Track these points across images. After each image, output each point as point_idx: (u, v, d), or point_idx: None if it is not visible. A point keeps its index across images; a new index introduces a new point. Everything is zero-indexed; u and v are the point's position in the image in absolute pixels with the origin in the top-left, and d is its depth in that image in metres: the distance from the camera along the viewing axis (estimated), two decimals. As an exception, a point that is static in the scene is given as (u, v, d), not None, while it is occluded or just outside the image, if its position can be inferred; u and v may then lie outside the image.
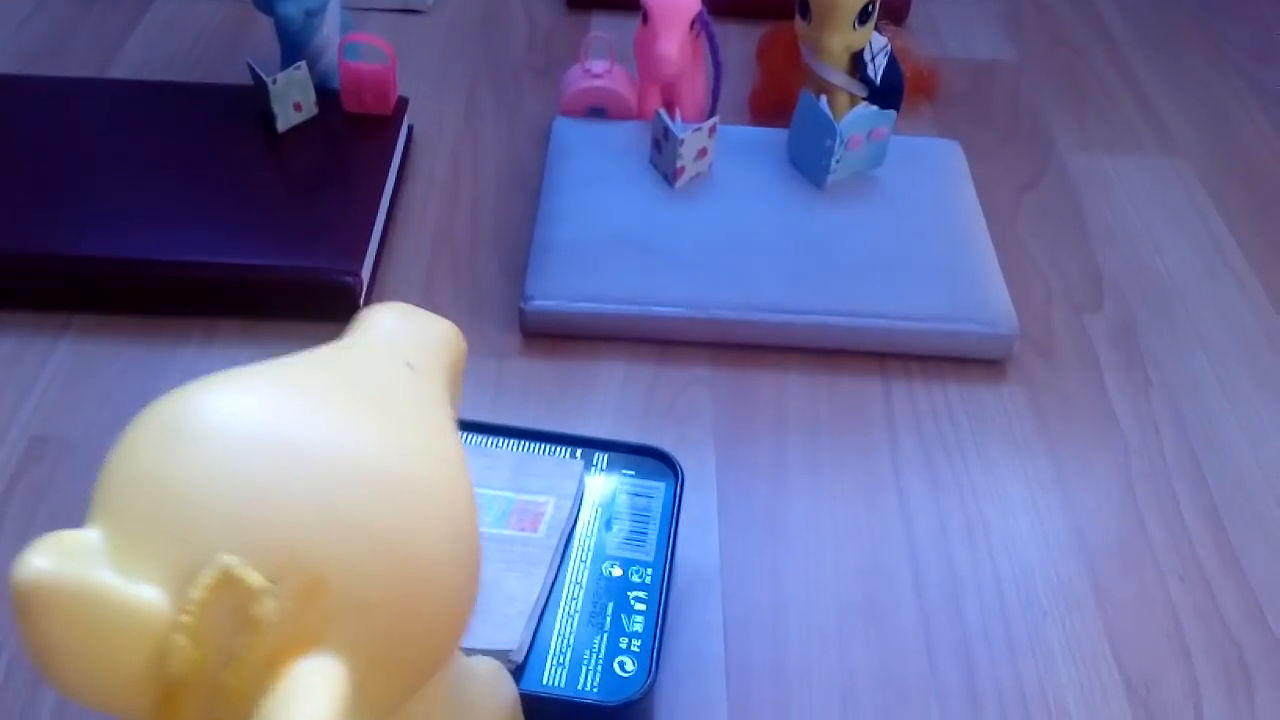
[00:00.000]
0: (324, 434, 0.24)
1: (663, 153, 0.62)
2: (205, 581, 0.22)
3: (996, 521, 0.50)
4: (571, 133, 0.66)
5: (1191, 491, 0.52)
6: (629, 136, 0.66)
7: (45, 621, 0.22)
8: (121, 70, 0.73)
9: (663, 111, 0.61)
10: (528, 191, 0.66)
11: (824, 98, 0.63)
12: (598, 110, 0.68)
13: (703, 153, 0.63)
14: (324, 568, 0.23)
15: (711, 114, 0.68)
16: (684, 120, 0.64)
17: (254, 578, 0.22)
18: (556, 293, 0.57)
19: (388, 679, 0.24)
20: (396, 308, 0.30)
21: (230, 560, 0.22)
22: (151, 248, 0.56)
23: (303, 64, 0.62)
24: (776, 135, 0.66)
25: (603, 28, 0.80)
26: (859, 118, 0.61)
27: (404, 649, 0.24)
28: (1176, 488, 0.52)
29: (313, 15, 0.63)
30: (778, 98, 0.71)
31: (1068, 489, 0.52)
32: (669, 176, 0.62)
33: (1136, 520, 0.51)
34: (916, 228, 0.61)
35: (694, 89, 0.68)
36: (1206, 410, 0.56)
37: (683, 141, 0.60)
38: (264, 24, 0.77)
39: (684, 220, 0.61)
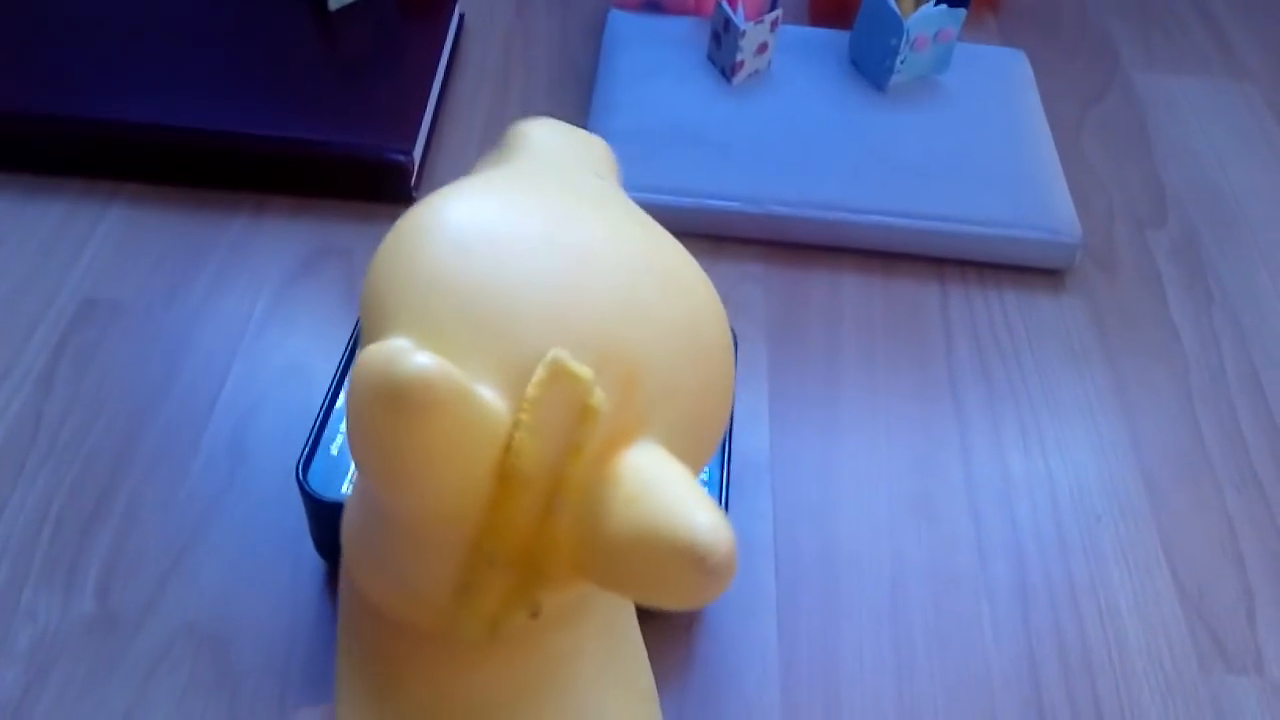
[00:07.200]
0: (606, 235, 0.24)
1: (722, 46, 0.61)
2: (540, 377, 0.21)
3: (1051, 428, 0.50)
4: (627, 26, 0.65)
5: (1251, 405, 0.51)
6: (686, 32, 0.65)
7: (420, 421, 0.20)
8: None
9: (724, 3, 0.60)
10: (580, 84, 0.65)
11: (890, -4, 0.61)
12: (653, 5, 0.66)
13: (763, 48, 0.61)
14: (636, 359, 0.22)
15: (773, 8, 0.66)
16: (745, 17, 0.62)
17: (584, 370, 0.22)
18: (611, 182, 0.56)
19: (691, 463, 0.24)
20: (549, 123, 0.29)
21: (561, 354, 0.21)
22: (201, 117, 0.55)
23: (357, -60, 0.61)
24: (838, 37, 0.65)
25: (658, -75, 0.78)
26: (927, 16, 0.59)
27: (702, 432, 0.24)
28: (1236, 400, 0.51)
29: (368, -110, 0.61)
30: None
31: (1126, 399, 0.51)
32: (727, 71, 0.61)
33: (1194, 431, 0.50)
34: (981, 133, 0.60)
35: (753, -14, 0.66)
36: (1268, 326, 0.55)
37: (744, 34, 0.59)
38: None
39: (741, 116, 0.59)
